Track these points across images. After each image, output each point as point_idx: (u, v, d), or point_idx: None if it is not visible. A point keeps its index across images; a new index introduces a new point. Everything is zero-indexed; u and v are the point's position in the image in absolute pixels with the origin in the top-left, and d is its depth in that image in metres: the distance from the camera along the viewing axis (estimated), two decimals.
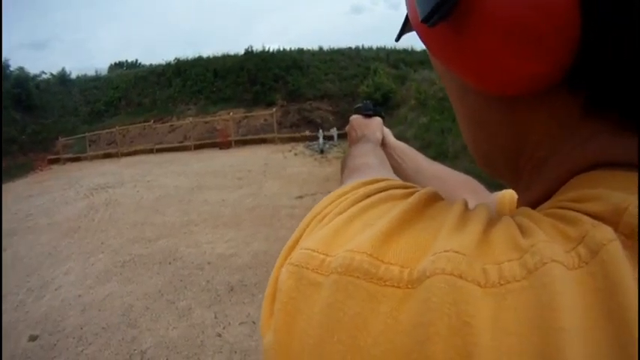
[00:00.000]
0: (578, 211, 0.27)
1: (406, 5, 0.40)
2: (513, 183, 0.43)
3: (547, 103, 0.33)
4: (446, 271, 0.23)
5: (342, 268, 0.26)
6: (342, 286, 0.25)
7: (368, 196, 0.33)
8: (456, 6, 0.30)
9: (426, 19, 0.32)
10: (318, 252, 0.28)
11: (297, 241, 0.33)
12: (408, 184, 0.38)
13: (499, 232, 0.26)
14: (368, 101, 1.16)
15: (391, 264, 0.25)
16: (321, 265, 0.27)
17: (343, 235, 0.29)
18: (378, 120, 1.10)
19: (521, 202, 0.41)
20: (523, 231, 0.26)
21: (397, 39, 0.57)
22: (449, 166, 1.02)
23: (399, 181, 0.39)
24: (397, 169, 1.01)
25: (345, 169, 0.76)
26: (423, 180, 0.97)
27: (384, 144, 1.04)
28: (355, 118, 1.12)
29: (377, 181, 0.38)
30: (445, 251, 0.24)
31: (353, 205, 0.32)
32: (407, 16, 0.49)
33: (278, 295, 0.28)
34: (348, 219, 0.30)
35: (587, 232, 0.24)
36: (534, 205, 0.35)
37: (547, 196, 0.34)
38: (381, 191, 0.34)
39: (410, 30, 0.52)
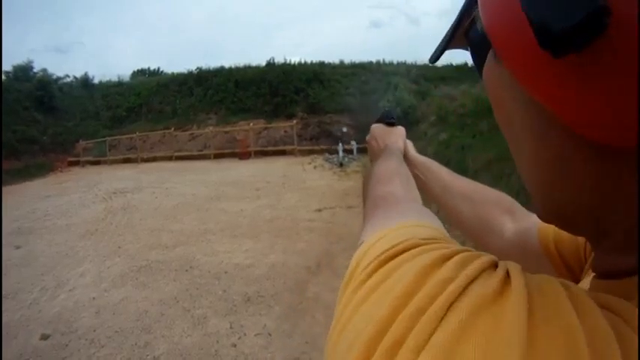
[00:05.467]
0: None
1: (489, 20, 0.33)
2: (593, 240, 0.37)
3: None
4: None
5: None
6: None
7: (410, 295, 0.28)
8: (600, 35, 0.24)
9: (555, 49, 0.25)
10: None
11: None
12: (452, 245, 0.34)
13: None
14: (390, 108, 1.10)
15: None
16: None
17: None
18: (400, 129, 1.04)
19: (604, 264, 0.36)
20: None
21: (434, 60, 0.51)
22: None
23: (441, 242, 0.35)
24: (421, 187, 0.93)
25: (368, 196, 0.67)
26: (451, 200, 0.92)
27: (405, 158, 0.96)
28: (377, 127, 1.05)
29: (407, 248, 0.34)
30: None
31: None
32: (452, 32, 0.46)
33: None
34: None
35: None
36: (628, 274, 0.32)
37: None
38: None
39: (456, 47, 0.47)
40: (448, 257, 0.30)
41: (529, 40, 0.27)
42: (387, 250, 0.35)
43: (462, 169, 9.66)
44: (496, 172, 8.24)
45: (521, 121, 0.35)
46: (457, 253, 0.31)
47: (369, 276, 0.33)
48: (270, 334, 4.50)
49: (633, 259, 0.31)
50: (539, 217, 0.40)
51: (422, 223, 0.44)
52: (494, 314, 0.24)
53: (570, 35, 0.24)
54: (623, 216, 0.31)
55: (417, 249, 0.34)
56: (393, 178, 0.70)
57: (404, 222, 0.44)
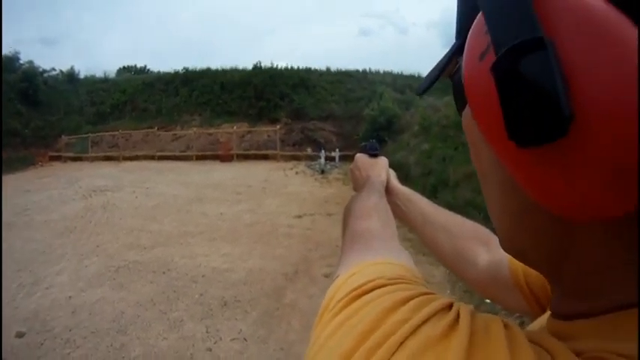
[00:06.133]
0: None
1: (468, 85, 0.36)
2: (550, 281, 0.43)
3: (610, 227, 0.32)
4: None
5: None
6: None
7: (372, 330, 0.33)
8: (563, 137, 0.28)
9: (519, 142, 0.30)
10: None
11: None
12: (416, 285, 0.40)
13: None
14: (374, 140, 1.14)
15: None
16: None
17: None
18: (383, 160, 1.08)
19: (558, 306, 0.41)
20: None
21: (422, 92, 0.54)
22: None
23: (406, 282, 0.40)
24: (402, 218, 1.00)
25: (346, 228, 0.71)
26: (430, 232, 0.96)
27: (387, 188, 1.01)
28: (360, 157, 1.09)
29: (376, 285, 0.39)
30: None
31: None
32: (438, 72, 0.48)
33: None
34: None
35: None
36: (576, 315, 0.36)
37: (592, 313, 0.35)
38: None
39: (445, 77, 0.49)
40: (407, 300, 0.35)
41: (501, 120, 0.30)
42: (356, 288, 0.39)
43: (442, 180, 9.72)
44: (476, 184, 8.15)
45: (491, 173, 0.39)
46: (417, 295, 0.35)
47: (341, 310, 0.38)
48: (245, 340, 4.54)
49: (582, 305, 0.36)
50: (505, 251, 0.44)
51: (392, 260, 0.49)
52: (437, 353, 0.29)
53: (536, 135, 0.28)
54: (575, 266, 0.36)
55: (382, 289, 0.38)
56: (372, 214, 0.73)
57: (375, 260, 0.49)
